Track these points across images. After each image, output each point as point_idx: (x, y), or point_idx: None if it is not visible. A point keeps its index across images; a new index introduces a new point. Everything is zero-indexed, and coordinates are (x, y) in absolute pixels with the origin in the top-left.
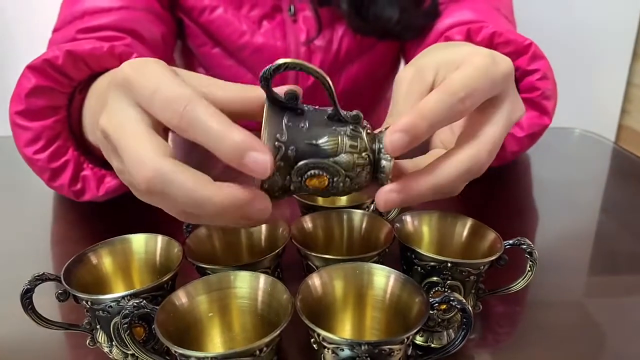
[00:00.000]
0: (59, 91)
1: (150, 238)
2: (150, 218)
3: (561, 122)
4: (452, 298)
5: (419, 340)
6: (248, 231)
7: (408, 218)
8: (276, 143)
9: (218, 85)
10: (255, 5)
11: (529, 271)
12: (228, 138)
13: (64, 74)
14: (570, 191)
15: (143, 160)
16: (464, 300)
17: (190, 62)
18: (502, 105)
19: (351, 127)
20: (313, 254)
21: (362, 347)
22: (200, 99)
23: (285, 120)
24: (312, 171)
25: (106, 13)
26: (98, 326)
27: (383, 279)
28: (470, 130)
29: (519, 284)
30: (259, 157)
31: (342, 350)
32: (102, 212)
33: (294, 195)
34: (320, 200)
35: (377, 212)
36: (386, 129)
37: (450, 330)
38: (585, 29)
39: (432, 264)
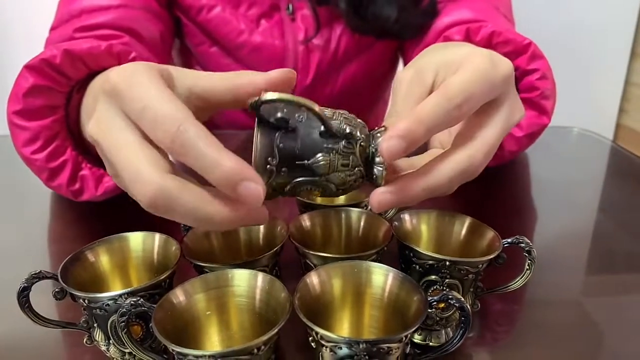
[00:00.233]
0: (56, 90)
1: (147, 236)
2: (148, 216)
3: (560, 121)
4: (450, 296)
5: (417, 338)
6: (246, 230)
7: (406, 216)
8: (268, 166)
9: (208, 78)
10: (253, 4)
11: (527, 270)
12: (221, 166)
13: (61, 73)
14: (569, 190)
15: (144, 177)
16: (462, 299)
17: (188, 60)
18: (500, 107)
19: (344, 143)
20: (311, 252)
21: (360, 346)
22: (191, 120)
23: (277, 141)
24: (305, 187)
25: (104, 11)
26: (95, 324)
27: (381, 277)
28: (467, 132)
29: (517, 283)
30: (252, 187)
31: (340, 348)
32: (100, 211)
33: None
34: (319, 199)
35: None
36: (383, 127)
37: (449, 328)
38: (583, 28)
39: (431, 262)
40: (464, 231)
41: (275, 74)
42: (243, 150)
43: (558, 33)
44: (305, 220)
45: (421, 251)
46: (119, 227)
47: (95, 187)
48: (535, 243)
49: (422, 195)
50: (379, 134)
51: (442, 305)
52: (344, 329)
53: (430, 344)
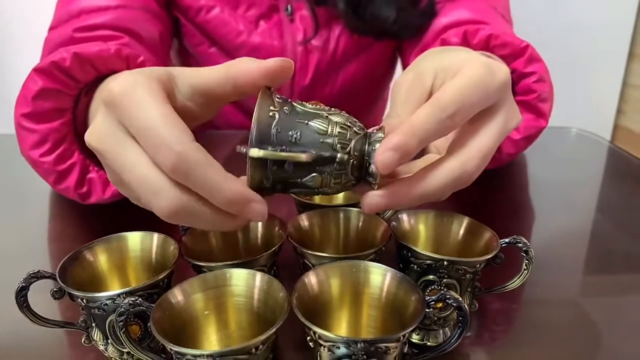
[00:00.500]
0: (65, 93)
1: (146, 236)
2: (147, 216)
3: (557, 121)
4: (448, 296)
5: (415, 338)
6: (244, 229)
7: (404, 216)
8: (263, 184)
9: (206, 72)
10: (252, 4)
11: (524, 270)
12: (223, 191)
13: (70, 76)
14: (567, 190)
15: (164, 194)
16: (460, 299)
17: (187, 61)
18: (496, 115)
19: (335, 166)
20: (309, 252)
21: (358, 345)
22: (191, 145)
23: (270, 166)
24: (300, 191)
25: (103, 12)
26: (93, 324)
27: (379, 277)
28: (462, 140)
29: (515, 283)
30: (257, 208)
31: (338, 348)
32: (100, 210)
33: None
34: (317, 199)
35: None
36: (381, 127)
37: (447, 328)
38: (581, 29)
39: (429, 262)
40: (461, 231)
41: (271, 64)
42: None
43: (556, 34)
44: (304, 220)
45: (419, 251)
46: (118, 226)
47: (103, 190)
48: (533, 243)
49: (414, 201)
50: (376, 136)
51: (440, 305)
52: (342, 328)
53: (428, 343)
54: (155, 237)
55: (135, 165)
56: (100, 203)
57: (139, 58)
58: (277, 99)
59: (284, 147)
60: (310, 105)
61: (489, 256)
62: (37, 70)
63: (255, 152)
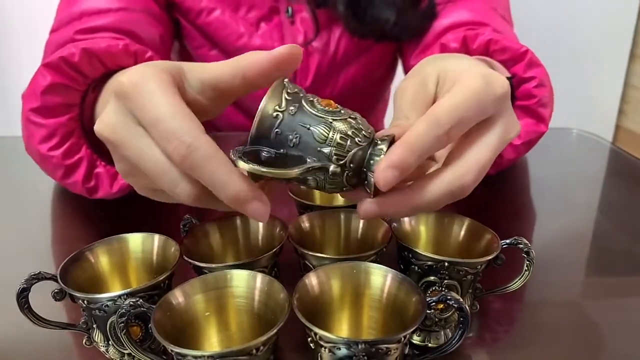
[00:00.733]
0: (73, 89)
1: (147, 237)
2: (148, 218)
3: (559, 122)
4: (449, 297)
5: (416, 339)
6: (245, 230)
7: (405, 218)
8: (260, 178)
9: (215, 66)
10: (252, 7)
11: (525, 271)
12: (230, 187)
13: (79, 71)
14: (568, 191)
15: (181, 187)
16: (461, 300)
17: None
18: (493, 127)
19: (330, 175)
20: (310, 253)
21: (359, 346)
22: (201, 138)
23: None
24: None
25: (104, 14)
26: (94, 325)
27: (380, 278)
28: (459, 151)
29: (516, 284)
30: (257, 208)
31: (339, 349)
32: (101, 212)
33: (292, 195)
34: (318, 200)
35: None
36: (385, 138)
37: (448, 329)
38: (583, 30)
39: (430, 263)
40: (462, 232)
41: (280, 51)
42: None
43: (557, 35)
44: (304, 222)
45: (420, 252)
46: (119, 228)
47: (110, 184)
48: (534, 244)
49: (408, 212)
50: (377, 148)
51: (441, 306)
52: (342, 329)
53: (429, 345)
54: (156, 238)
55: (150, 156)
56: (107, 198)
57: (146, 54)
58: (286, 96)
59: (281, 150)
60: (320, 106)
61: (490, 257)
62: (46, 65)
63: (242, 165)
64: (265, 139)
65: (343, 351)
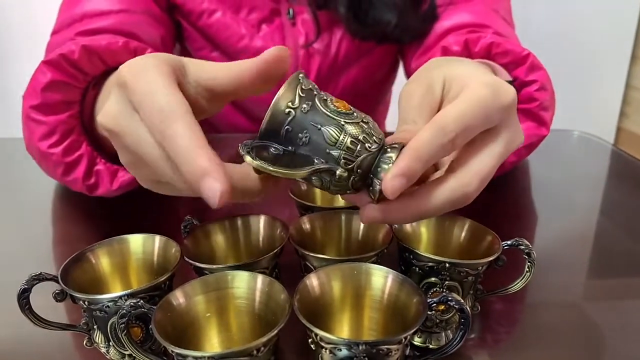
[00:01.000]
0: (74, 86)
1: (148, 238)
2: (149, 219)
3: (560, 124)
4: (450, 298)
5: (417, 341)
6: (246, 231)
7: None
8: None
9: (211, 67)
10: (253, 8)
11: (527, 272)
12: (190, 161)
13: (79, 68)
14: (569, 193)
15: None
16: (462, 301)
17: None
18: (498, 136)
19: (336, 178)
20: (311, 254)
21: (360, 347)
22: (179, 115)
23: (270, 158)
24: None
25: (105, 16)
26: (95, 326)
27: (381, 279)
28: (463, 160)
29: (517, 285)
30: (214, 186)
31: (340, 350)
32: (102, 213)
33: (293, 197)
34: (319, 201)
35: None
36: (397, 145)
37: (449, 331)
38: (584, 32)
39: (431, 264)
40: (463, 233)
41: (266, 57)
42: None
43: (559, 37)
44: (305, 223)
45: (421, 253)
46: (120, 229)
47: (111, 181)
48: (536, 245)
49: (411, 219)
50: (386, 156)
51: (442, 307)
52: (343, 330)
53: (430, 346)
54: (157, 239)
55: (148, 142)
56: (107, 195)
57: (146, 51)
58: (300, 93)
59: (289, 147)
60: (333, 106)
61: (491, 258)
62: (46, 62)
63: (248, 160)
64: (274, 134)
65: (344, 352)
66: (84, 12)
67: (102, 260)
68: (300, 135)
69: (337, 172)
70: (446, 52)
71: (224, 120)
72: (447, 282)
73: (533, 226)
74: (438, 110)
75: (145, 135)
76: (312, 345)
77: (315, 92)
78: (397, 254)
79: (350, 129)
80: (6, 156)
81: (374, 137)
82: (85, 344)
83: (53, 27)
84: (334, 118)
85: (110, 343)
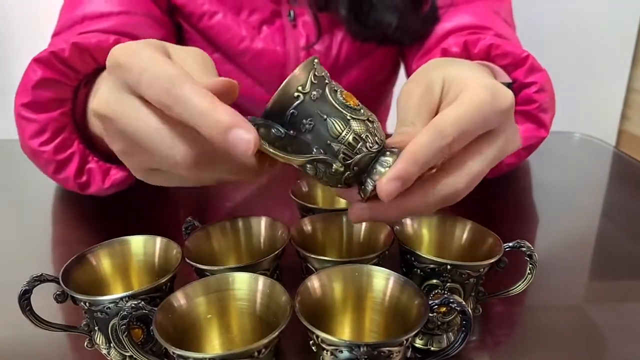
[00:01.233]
0: (65, 84)
1: (149, 240)
2: (150, 220)
3: (561, 126)
4: (451, 300)
5: (418, 343)
6: (247, 233)
7: (408, 220)
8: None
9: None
10: (254, 10)
11: (528, 274)
12: (212, 115)
13: (70, 66)
14: (570, 195)
15: (178, 150)
16: (464, 303)
17: None
18: (494, 140)
19: (332, 170)
20: (312, 255)
21: (361, 349)
22: (187, 77)
23: (272, 137)
24: None
25: (106, 18)
26: (96, 328)
27: (382, 281)
28: (456, 160)
29: (518, 287)
30: (244, 135)
31: (341, 352)
32: (103, 214)
33: (294, 198)
34: (320, 203)
35: None
36: (396, 150)
37: (450, 333)
38: (586, 34)
39: (432, 266)
40: (465, 235)
41: (215, 83)
42: None
43: (560, 39)
44: (307, 224)
45: (422, 255)
46: (121, 230)
47: (103, 180)
48: (537, 248)
49: (400, 216)
50: (383, 159)
51: (444, 309)
52: (344, 332)
53: (432, 348)
54: (158, 240)
55: (143, 121)
56: (99, 194)
57: None
58: (312, 79)
59: (291, 131)
60: (342, 98)
61: (493, 260)
62: (36, 60)
63: (263, 146)
64: (279, 115)
65: (345, 354)
66: (84, 14)
67: (103, 261)
68: (304, 121)
69: (334, 166)
70: (445, 53)
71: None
72: (448, 284)
73: (534, 228)
74: (436, 111)
75: (142, 113)
76: (313, 347)
77: (327, 81)
78: (399, 255)
79: (355, 125)
80: (6, 157)
81: (377, 138)
82: (86, 346)
83: (54, 29)
84: (341, 111)
85: (111, 344)
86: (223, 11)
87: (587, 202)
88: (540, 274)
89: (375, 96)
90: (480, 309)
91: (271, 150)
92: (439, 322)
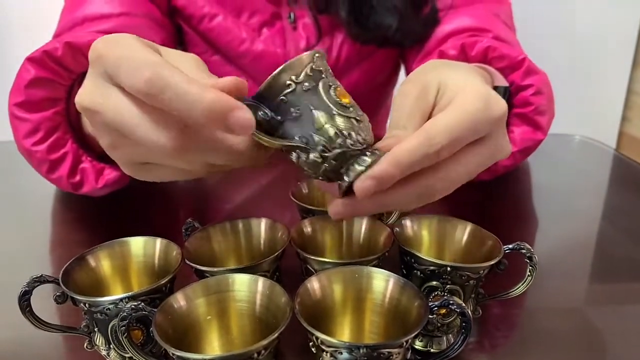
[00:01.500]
0: (58, 83)
1: (149, 241)
2: (150, 221)
3: (561, 128)
4: (451, 302)
5: (418, 345)
6: (247, 234)
7: (408, 222)
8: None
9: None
10: (254, 12)
11: (528, 276)
12: (204, 99)
13: (63, 65)
14: (570, 197)
15: (160, 133)
16: (463, 304)
17: None
18: (481, 147)
19: (310, 160)
20: (312, 257)
21: (361, 351)
22: (167, 64)
23: (261, 116)
24: None
25: (106, 19)
26: (96, 329)
27: (382, 282)
28: (439, 164)
29: (518, 289)
30: (242, 115)
31: (341, 353)
32: (103, 216)
33: (294, 200)
34: (320, 204)
35: (376, 216)
36: (378, 152)
37: (450, 335)
38: (586, 36)
39: (432, 268)
40: (465, 237)
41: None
42: None
43: (561, 41)
44: (307, 226)
45: (422, 257)
46: (121, 231)
47: (96, 179)
48: (537, 250)
49: (375, 211)
50: (362, 158)
51: (444, 311)
52: (344, 334)
53: (432, 350)
54: (158, 242)
55: (126, 110)
56: (92, 194)
57: None
58: (308, 71)
59: (278, 117)
60: (334, 95)
61: (493, 262)
62: (30, 59)
63: (256, 135)
64: (269, 99)
65: (345, 355)
66: (84, 16)
67: (103, 262)
68: (292, 109)
69: (311, 156)
70: (443, 56)
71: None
72: (448, 285)
73: (534, 230)
74: (430, 114)
75: (123, 103)
76: (312, 349)
77: (323, 75)
78: (399, 257)
79: (339, 121)
80: (7, 158)
81: (360, 137)
82: (86, 347)
83: (55, 30)
84: (329, 105)
85: (111, 346)
86: (223, 13)
87: (587, 205)
88: (540, 276)
89: (375, 98)
90: (480, 311)
91: (254, 131)
92: (439, 324)
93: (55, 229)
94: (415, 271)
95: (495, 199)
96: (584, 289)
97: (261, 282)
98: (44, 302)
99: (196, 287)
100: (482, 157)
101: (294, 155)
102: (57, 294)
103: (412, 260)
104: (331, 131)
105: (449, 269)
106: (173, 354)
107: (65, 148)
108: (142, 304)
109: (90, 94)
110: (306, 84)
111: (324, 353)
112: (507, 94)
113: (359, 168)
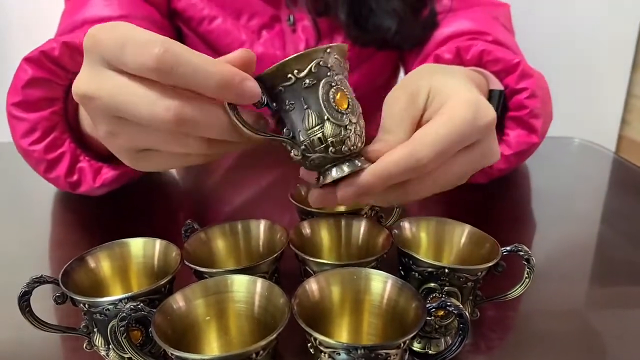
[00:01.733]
0: (55, 83)
1: (148, 242)
2: (150, 222)
3: (561, 131)
4: (449, 304)
5: (416, 346)
6: (246, 236)
7: (406, 224)
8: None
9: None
10: (254, 15)
11: (526, 278)
12: (218, 71)
13: (60, 65)
14: (569, 200)
15: (161, 104)
16: (461, 306)
17: None
18: (470, 154)
19: (293, 156)
20: (310, 258)
21: (359, 351)
22: (173, 41)
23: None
24: None
25: (106, 22)
26: (95, 329)
27: (380, 284)
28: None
29: (516, 291)
30: (251, 84)
31: (339, 354)
32: (102, 216)
33: (293, 201)
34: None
35: (375, 218)
36: (361, 163)
37: (448, 336)
38: (585, 39)
39: (430, 269)
40: (463, 239)
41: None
42: None
43: (560, 44)
44: (305, 227)
45: (420, 258)
46: (120, 232)
47: (94, 179)
48: (535, 252)
49: (350, 201)
50: (347, 166)
51: (441, 312)
52: (342, 335)
53: (429, 352)
54: (158, 243)
55: (125, 89)
56: (90, 193)
57: None
58: (313, 68)
59: (274, 104)
60: (332, 96)
61: (491, 264)
62: (27, 59)
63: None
64: (269, 86)
65: (343, 356)
66: (84, 18)
67: (103, 263)
68: (287, 101)
69: (293, 151)
70: (438, 59)
71: None
72: (446, 287)
73: (533, 233)
74: (420, 119)
75: (123, 82)
76: (311, 350)
77: (329, 74)
78: (397, 259)
79: (328, 127)
80: (7, 159)
81: (345, 147)
82: (85, 347)
83: (55, 33)
84: (323, 109)
85: (110, 346)
86: (223, 16)
87: (586, 208)
88: (539, 279)
89: (374, 100)
90: (478, 313)
91: (237, 120)
92: (437, 326)
93: (55, 230)
94: (413, 273)
95: (494, 201)
96: (582, 291)
97: (260, 283)
98: (43, 302)
99: (195, 287)
100: (471, 163)
101: (285, 144)
102: (57, 294)
103: (410, 262)
104: (317, 137)
105: (446, 270)
106: (172, 354)
107: (63, 148)
108: (142, 304)
109: (87, 81)
110: (307, 81)
111: (322, 354)
112: (502, 97)
113: (335, 175)
